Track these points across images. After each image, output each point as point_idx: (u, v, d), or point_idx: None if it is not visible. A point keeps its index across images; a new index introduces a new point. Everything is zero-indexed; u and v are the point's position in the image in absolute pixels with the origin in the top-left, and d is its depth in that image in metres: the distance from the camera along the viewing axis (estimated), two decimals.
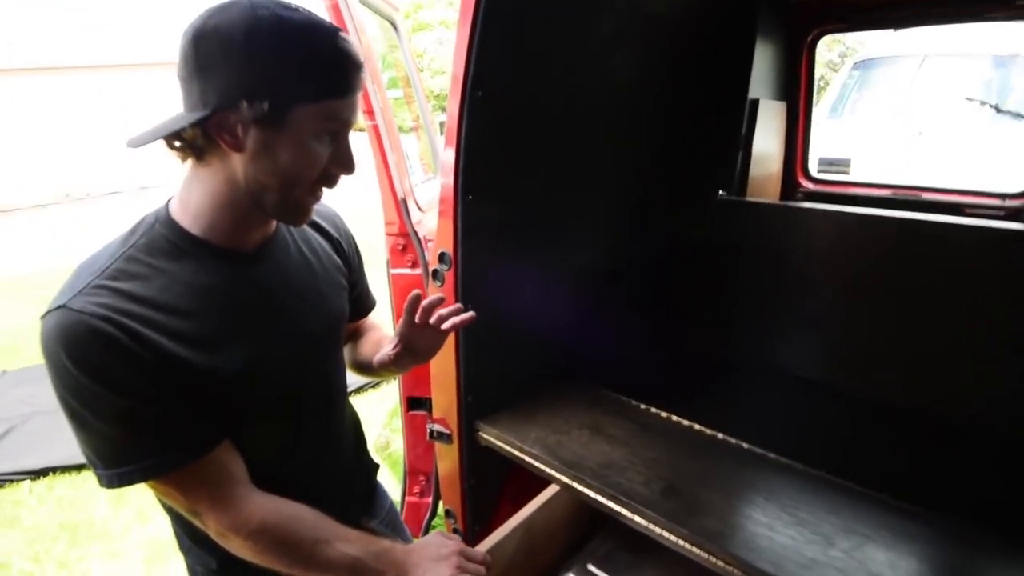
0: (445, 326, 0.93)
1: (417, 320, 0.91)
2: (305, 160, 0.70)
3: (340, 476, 0.96)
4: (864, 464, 1.20)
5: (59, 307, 0.65)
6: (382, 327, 1.12)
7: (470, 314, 0.94)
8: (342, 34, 0.69)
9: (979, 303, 1.41)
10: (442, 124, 1.32)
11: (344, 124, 0.72)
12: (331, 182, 0.75)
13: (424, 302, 0.91)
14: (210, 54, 0.65)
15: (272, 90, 0.65)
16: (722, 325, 1.82)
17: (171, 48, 0.69)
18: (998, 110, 3.75)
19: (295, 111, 0.67)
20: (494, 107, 1.17)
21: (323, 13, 1.42)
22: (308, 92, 0.67)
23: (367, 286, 1.05)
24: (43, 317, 0.66)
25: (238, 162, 0.69)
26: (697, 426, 1.32)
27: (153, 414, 0.68)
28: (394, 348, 0.95)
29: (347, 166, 0.74)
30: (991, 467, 1.29)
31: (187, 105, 0.68)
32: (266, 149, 0.68)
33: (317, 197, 0.76)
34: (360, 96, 0.73)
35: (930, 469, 1.28)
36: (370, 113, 1.53)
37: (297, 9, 0.68)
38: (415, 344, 0.95)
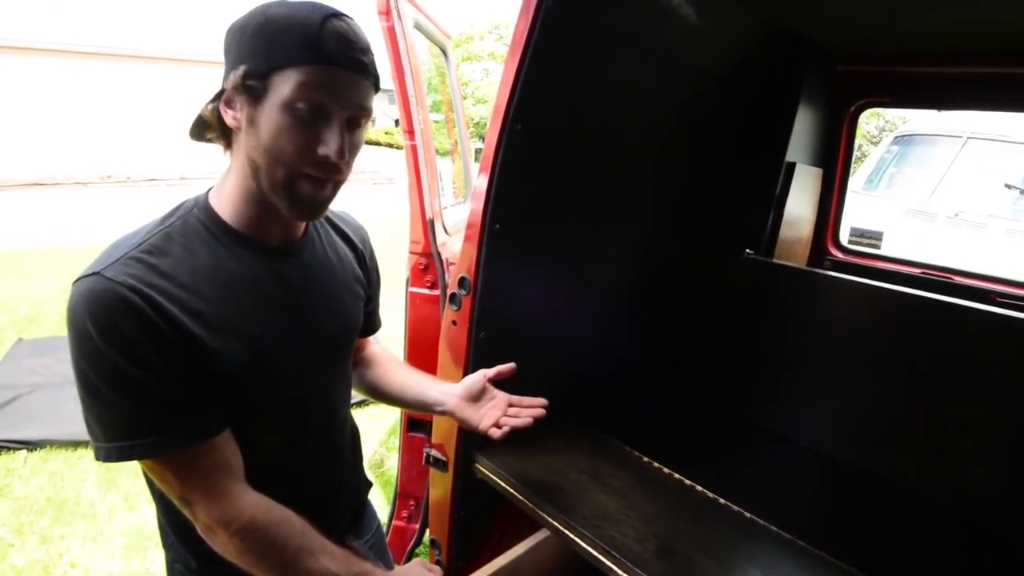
0: (517, 418, 1.00)
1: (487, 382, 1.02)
2: (282, 130, 0.68)
3: (333, 486, 0.95)
4: (869, 549, 1.14)
5: (93, 274, 0.66)
6: (387, 348, 1.13)
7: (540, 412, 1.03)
8: (345, 17, 0.70)
9: (1001, 394, 1.36)
10: (478, 151, 1.34)
11: (326, 95, 0.68)
12: (317, 166, 0.71)
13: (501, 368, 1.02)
14: (227, 45, 0.71)
15: (253, 58, 0.68)
16: (735, 384, 1.78)
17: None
18: None
19: (273, 78, 0.67)
20: (531, 141, 1.19)
21: (379, 34, 1.47)
22: (284, 58, 0.67)
23: (378, 305, 1.05)
24: (75, 283, 0.67)
25: (242, 144, 0.72)
26: (699, 487, 1.28)
27: (163, 391, 0.68)
28: (458, 398, 1.02)
29: (327, 144, 0.69)
30: (1011, 566, 1.22)
31: None
32: (252, 124, 0.69)
33: (314, 181, 0.72)
34: (366, 84, 0.71)
35: (939, 562, 1.21)
36: (410, 133, 1.56)
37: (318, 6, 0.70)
38: (474, 400, 1.02)
